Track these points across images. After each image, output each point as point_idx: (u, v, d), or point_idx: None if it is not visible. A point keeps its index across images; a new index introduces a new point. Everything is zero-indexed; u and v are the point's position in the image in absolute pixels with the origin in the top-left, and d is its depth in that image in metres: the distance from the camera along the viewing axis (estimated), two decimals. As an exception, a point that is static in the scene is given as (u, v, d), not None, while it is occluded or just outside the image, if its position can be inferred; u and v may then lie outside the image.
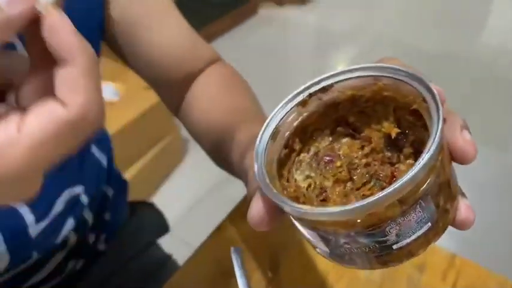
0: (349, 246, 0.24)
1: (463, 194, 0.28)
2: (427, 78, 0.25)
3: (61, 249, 0.57)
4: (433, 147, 0.22)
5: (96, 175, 0.61)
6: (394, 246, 0.24)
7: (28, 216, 0.51)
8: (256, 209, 0.27)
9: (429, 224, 0.24)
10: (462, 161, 0.26)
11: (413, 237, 0.23)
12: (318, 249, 0.27)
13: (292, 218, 0.26)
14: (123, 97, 1.46)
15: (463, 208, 0.26)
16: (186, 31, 0.55)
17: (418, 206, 0.23)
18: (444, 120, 0.25)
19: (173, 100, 0.56)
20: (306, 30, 2.81)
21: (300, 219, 0.25)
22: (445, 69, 2.40)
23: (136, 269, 0.68)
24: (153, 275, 0.68)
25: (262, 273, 0.56)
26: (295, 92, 0.29)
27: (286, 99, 0.29)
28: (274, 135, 0.28)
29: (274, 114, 0.29)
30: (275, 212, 0.27)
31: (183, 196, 1.64)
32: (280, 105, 0.29)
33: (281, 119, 0.29)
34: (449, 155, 0.25)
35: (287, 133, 0.29)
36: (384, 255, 0.24)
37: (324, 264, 0.57)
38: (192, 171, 1.75)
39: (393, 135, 0.28)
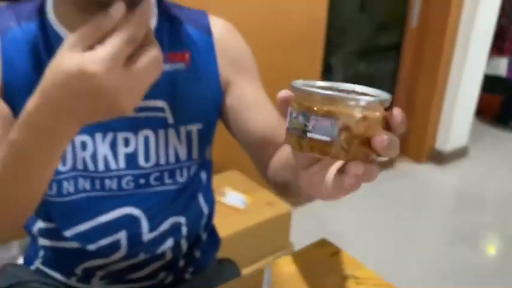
0: (294, 120, 0.41)
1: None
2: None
3: (159, 259, 0.81)
4: (359, 103, 0.40)
5: (197, 217, 0.85)
6: (308, 134, 0.40)
7: (145, 225, 0.78)
8: (285, 91, 0.46)
9: (328, 138, 0.40)
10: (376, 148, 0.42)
11: (317, 137, 0.40)
12: (288, 130, 0.43)
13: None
14: (248, 207, 1.75)
15: (355, 168, 0.42)
16: (276, 116, 0.78)
17: (330, 119, 0.39)
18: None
19: (262, 162, 0.78)
20: (442, 189, 2.87)
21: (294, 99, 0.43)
22: None
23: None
24: None
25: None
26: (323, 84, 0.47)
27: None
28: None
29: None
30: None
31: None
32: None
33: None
34: (369, 142, 0.41)
35: None
36: (302, 138, 0.41)
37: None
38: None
39: None
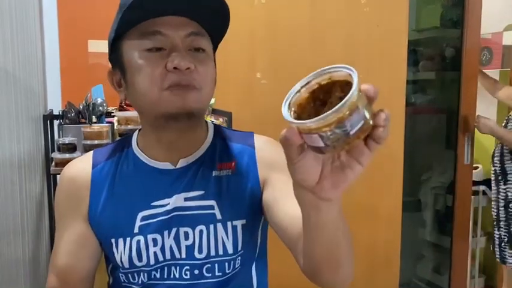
0: (332, 136, 0.46)
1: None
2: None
3: None
4: (351, 93, 0.44)
5: None
6: (351, 132, 0.46)
7: None
8: (290, 130, 0.49)
9: (362, 121, 0.46)
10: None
11: (358, 126, 0.46)
12: (317, 149, 0.48)
13: (303, 136, 0.48)
14: None
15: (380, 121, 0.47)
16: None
17: (354, 113, 0.45)
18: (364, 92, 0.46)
19: (297, 252, 0.76)
20: None
21: (305, 131, 0.47)
22: None
23: None
24: None
25: None
26: (304, 80, 0.51)
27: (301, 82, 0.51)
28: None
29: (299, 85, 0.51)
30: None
31: None
32: (299, 83, 0.51)
33: (298, 90, 0.51)
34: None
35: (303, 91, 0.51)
36: (346, 138, 0.46)
37: None
38: None
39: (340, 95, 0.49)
